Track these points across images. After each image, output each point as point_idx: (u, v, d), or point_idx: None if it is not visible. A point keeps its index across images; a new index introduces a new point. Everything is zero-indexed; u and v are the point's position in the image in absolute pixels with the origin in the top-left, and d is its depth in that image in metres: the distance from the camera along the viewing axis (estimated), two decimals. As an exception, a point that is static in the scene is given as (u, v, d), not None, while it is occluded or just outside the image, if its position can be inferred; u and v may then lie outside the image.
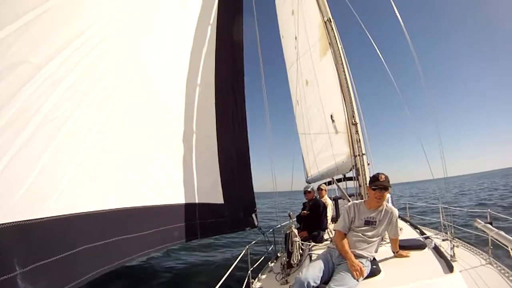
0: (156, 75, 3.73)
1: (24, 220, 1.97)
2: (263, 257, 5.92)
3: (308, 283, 2.68)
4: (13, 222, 1.89)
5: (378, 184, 3.06)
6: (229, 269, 3.92)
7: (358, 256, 2.91)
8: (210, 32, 4.89)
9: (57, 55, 2.34)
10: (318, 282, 2.75)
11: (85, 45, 2.61)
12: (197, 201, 4.35)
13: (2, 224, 1.83)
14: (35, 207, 2.07)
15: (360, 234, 3.05)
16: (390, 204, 3.30)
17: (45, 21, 2.26)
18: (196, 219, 4.29)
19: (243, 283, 4.40)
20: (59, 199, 2.26)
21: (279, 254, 6.10)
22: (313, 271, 2.81)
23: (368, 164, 4.80)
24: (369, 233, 3.05)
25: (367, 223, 3.10)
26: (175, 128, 4.10)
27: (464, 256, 4.18)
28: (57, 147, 2.29)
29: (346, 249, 2.95)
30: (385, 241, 3.65)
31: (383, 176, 3.09)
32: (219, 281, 3.37)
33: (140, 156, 3.35)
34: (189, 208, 4.15)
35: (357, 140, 4.91)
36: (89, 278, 2.46)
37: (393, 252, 3.41)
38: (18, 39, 2.05)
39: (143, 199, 3.32)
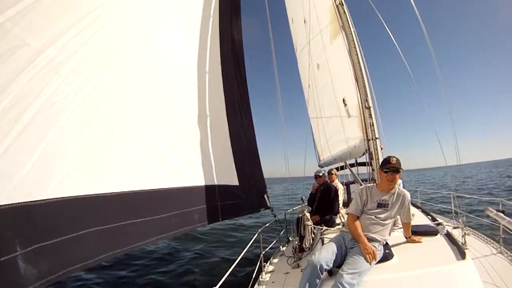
0: (164, 59, 3.70)
1: (26, 202, 1.98)
2: (274, 241, 6.01)
3: (321, 266, 2.69)
4: (14, 204, 1.90)
5: (390, 166, 3.06)
6: (241, 252, 3.98)
7: (371, 240, 2.90)
8: (213, 19, 4.87)
9: (58, 38, 2.32)
10: (331, 265, 2.76)
11: (88, 29, 2.58)
12: (216, 183, 4.37)
13: (3, 205, 1.84)
14: (37, 189, 2.07)
15: (373, 217, 3.05)
16: (402, 188, 3.30)
17: (46, 4, 2.24)
18: (216, 201, 4.32)
19: (255, 267, 4.49)
20: (62, 182, 2.26)
21: (290, 238, 6.17)
22: (326, 254, 2.81)
23: (381, 148, 4.77)
24: (382, 216, 3.05)
25: (380, 205, 3.09)
26: (189, 111, 4.09)
27: (475, 244, 4.17)
28: (60, 130, 2.28)
29: (359, 232, 2.96)
30: (397, 226, 3.66)
31: (394, 159, 3.09)
32: (232, 265, 3.42)
33: (154, 139, 3.34)
34: (209, 190, 4.16)
35: (370, 124, 4.88)
36: (98, 261, 2.46)
37: (406, 237, 3.41)
38: (18, 23, 2.03)
39: (159, 182, 3.30)
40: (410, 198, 3.20)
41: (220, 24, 5.02)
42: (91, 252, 2.43)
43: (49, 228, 2.13)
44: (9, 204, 1.87)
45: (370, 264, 2.68)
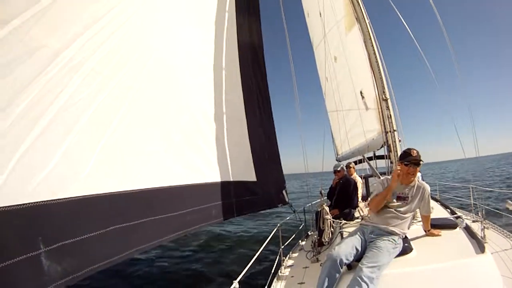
0: (181, 57, 3.72)
1: (48, 200, 1.99)
2: (293, 235, 6.02)
3: (341, 260, 2.65)
4: (37, 202, 1.91)
5: (411, 159, 2.99)
6: (260, 246, 4.02)
7: (390, 233, 2.87)
8: (229, 11, 4.85)
9: (76, 39, 2.32)
10: (351, 259, 2.73)
11: (106, 29, 2.59)
12: (231, 179, 4.40)
13: (26, 203, 1.85)
14: (59, 187, 2.09)
15: (393, 210, 3.00)
16: (421, 180, 3.24)
17: (63, 5, 2.24)
18: (232, 197, 4.35)
19: (274, 262, 4.52)
20: (84, 180, 2.28)
21: (309, 233, 6.18)
22: (345, 248, 2.77)
23: (400, 140, 4.70)
24: (402, 209, 3.00)
25: (399, 198, 3.04)
26: (206, 109, 4.12)
27: (495, 238, 4.05)
28: (81, 130, 2.29)
29: (384, 192, 3.05)
30: (416, 219, 3.60)
31: (415, 151, 3.02)
32: (251, 260, 3.45)
33: (171, 136, 3.38)
34: (225, 186, 4.20)
35: (388, 116, 4.81)
36: (120, 258, 2.49)
37: (425, 231, 3.35)
38: (36, 24, 2.04)
39: (177, 178, 3.35)
40: (430, 191, 3.14)
41: (237, 21, 5.01)
42: (113, 250, 2.46)
43: (72, 226, 2.15)
44: (32, 203, 1.88)
45: (390, 256, 2.65)
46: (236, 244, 9.93)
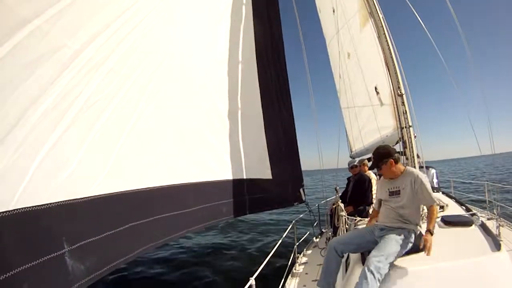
0: (197, 54, 3.74)
1: (71, 200, 2.02)
2: (308, 233, 6.01)
3: (336, 247, 2.83)
4: (59, 202, 1.94)
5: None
6: (275, 244, 4.02)
7: (397, 228, 2.82)
8: (246, 7, 4.82)
9: (95, 38, 2.35)
10: (348, 249, 2.89)
11: (123, 29, 2.62)
12: (245, 177, 4.40)
13: (49, 203, 1.87)
14: (80, 187, 2.12)
15: (389, 207, 2.98)
16: (412, 169, 3.03)
17: (81, 6, 2.27)
18: (244, 194, 4.36)
19: (288, 259, 4.52)
20: (105, 179, 2.32)
21: (323, 230, 6.16)
22: (344, 238, 2.93)
23: (415, 136, 4.63)
24: (398, 204, 2.91)
25: (392, 194, 2.98)
26: (220, 106, 4.13)
27: (510, 235, 3.97)
28: (101, 129, 2.33)
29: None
30: None
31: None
32: (267, 257, 3.47)
33: (184, 135, 3.41)
34: (237, 184, 4.21)
35: (403, 112, 4.75)
36: (136, 254, 2.54)
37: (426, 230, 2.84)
38: (55, 25, 2.06)
39: (189, 176, 3.38)
40: (421, 177, 2.83)
41: (254, 15, 4.96)
42: (131, 246, 2.51)
43: (94, 225, 2.19)
44: (54, 203, 1.91)
45: (400, 246, 2.64)
46: (250, 241, 9.97)
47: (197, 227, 3.48)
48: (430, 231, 2.64)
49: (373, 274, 2.41)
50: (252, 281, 2.65)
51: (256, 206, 4.69)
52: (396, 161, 2.95)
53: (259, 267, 3.10)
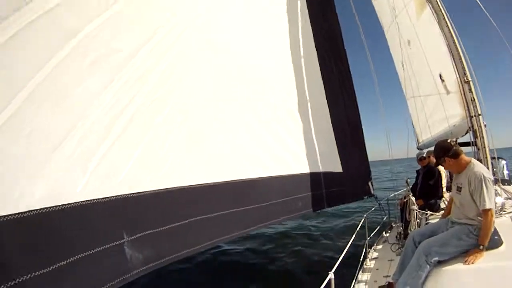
0: (255, 52, 3.71)
1: (130, 193, 2.11)
2: (378, 227, 5.93)
3: (414, 238, 2.95)
4: (120, 195, 2.05)
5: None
6: (349, 239, 4.09)
7: (464, 224, 2.78)
8: (301, 4, 4.75)
9: (146, 43, 2.38)
10: (423, 239, 2.84)
11: (174, 30, 2.63)
12: (321, 170, 4.37)
13: (111, 196, 1.99)
14: (139, 182, 2.20)
15: (456, 202, 2.96)
16: (479, 165, 2.84)
17: (132, 10, 2.32)
18: (322, 188, 4.32)
19: (358, 253, 4.57)
20: (164, 174, 2.37)
21: (393, 224, 6.03)
22: (422, 230, 3.05)
23: (485, 125, 4.37)
24: (460, 200, 2.86)
25: (457, 189, 2.91)
26: (286, 99, 4.08)
27: None
28: (157, 128, 2.37)
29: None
30: (504, 211, 3.37)
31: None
32: (342, 251, 3.52)
33: (255, 131, 3.40)
34: (314, 178, 4.17)
35: (471, 99, 4.52)
36: (205, 246, 2.62)
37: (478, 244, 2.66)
38: (108, 29, 2.12)
39: (261, 170, 3.37)
40: (482, 177, 2.63)
41: (309, 7, 4.86)
42: (194, 240, 2.57)
43: (152, 218, 2.28)
44: (116, 196, 2.03)
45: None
46: (319, 235, 9.87)
47: (270, 222, 3.45)
48: (481, 247, 2.53)
49: (424, 256, 2.54)
50: (331, 275, 2.74)
51: (334, 200, 4.65)
52: (455, 156, 2.85)
53: (336, 261, 3.16)
